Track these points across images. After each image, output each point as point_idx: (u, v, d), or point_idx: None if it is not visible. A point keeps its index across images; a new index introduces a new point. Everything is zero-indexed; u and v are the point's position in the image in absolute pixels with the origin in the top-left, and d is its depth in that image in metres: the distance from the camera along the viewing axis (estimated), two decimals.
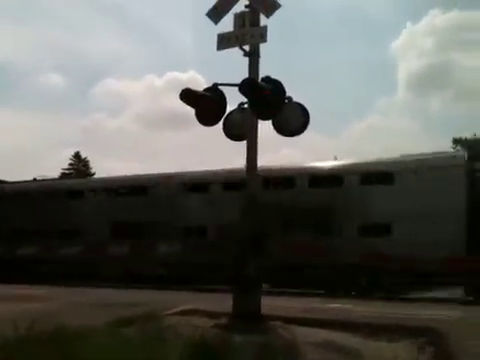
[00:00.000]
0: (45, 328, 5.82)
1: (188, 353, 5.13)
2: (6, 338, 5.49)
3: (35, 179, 29.44)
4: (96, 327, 6.39)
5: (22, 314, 7.64)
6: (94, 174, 52.70)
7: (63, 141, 77.40)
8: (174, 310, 8.62)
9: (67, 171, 53.83)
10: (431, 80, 72.64)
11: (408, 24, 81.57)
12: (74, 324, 6.26)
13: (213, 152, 61.27)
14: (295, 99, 7.79)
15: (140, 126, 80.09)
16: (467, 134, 38.37)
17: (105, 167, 75.20)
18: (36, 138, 76.54)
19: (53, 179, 31.40)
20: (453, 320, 8.18)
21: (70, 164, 55.43)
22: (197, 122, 8.08)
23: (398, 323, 7.41)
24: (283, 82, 7.38)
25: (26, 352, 5.04)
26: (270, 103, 7.35)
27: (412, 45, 74.00)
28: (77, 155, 55.79)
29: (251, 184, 7.94)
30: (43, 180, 28.27)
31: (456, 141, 37.91)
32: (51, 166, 70.16)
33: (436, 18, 72.75)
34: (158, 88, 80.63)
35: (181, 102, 7.68)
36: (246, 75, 7.74)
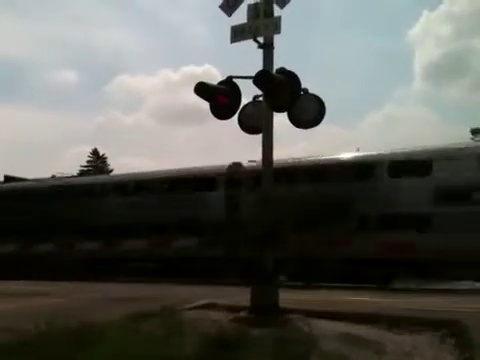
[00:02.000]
0: (65, 323, 5.86)
1: (207, 347, 5.12)
2: (27, 333, 5.56)
3: (54, 176, 29.75)
4: (115, 322, 6.43)
5: (41, 309, 7.73)
6: (112, 171, 53.15)
7: (78, 138, 78.26)
8: (192, 304, 8.64)
9: (85, 168, 54.36)
10: (448, 69, 71.58)
11: (424, 12, 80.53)
12: (93, 319, 6.32)
13: (231, 146, 61.37)
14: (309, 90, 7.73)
15: (156, 122, 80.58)
16: None
17: (121, 164, 75.76)
18: (51, 135, 77.65)
19: (72, 176, 31.72)
20: (475, 312, 8.05)
21: (88, 161, 55.99)
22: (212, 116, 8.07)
23: (418, 315, 7.32)
24: (297, 73, 7.33)
25: (47, 347, 5.08)
26: (285, 95, 7.28)
27: (429, 33, 72.99)
28: (95, 152, 56.33)
29: (267, 177, 7.88)
30: (63, 177, 28.55)
31: (474, 131, 37.29)
32: (66, 163, 70.78)
33: (454, 5, 71.61)
34: (173, 83, 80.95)
35: (197, 96, 7.67)
36: (261, 67, 7.69)
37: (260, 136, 7.87)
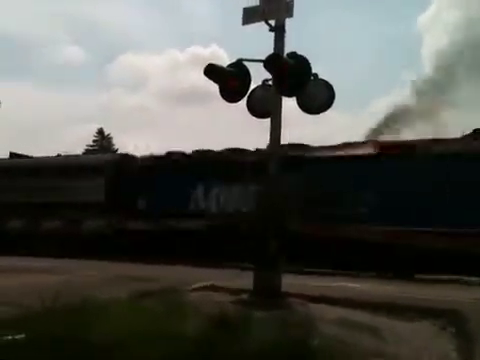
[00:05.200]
0: (69, 300, 5.93)
1: (208, 327, 5.18)
2: (32, 310, 5.64)
3: (59, 155, 29.77)
4: (118, 299, 6.50)
5: (45, 286, 7.81)
6: (117, 150, 53.17)
7: (82, 116, 78.15)
8: (194, 286, 8.71)
9: (91, 147, 54.40)
10: (459, 56, 70.64)
11: None
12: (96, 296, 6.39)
13: (236, 129, 61.06)
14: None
15: (160, 102, 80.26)
16: None
17: (127, 143, 75.69)
18: (54, 113, 77.41)
19: (77, 155, 31.76)
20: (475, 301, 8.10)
21: (94, 140, 56.02)
22: (220, 98, 8.05)
23: (418, 304, 7.37)
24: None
25: (51, 323, 5.15)
26: (295, 80, 7.25)
27: (439, 19, 71.87)
28: (100, 131, 56.32)
29: (274, 162, 7.86)
30: (70, 156, 28.60)
31: None
32: (69, 141, 70.67)
33: None
34: (179, 63, 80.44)
35: (203, 77, 7.65)
36: (269, 50, 7.63)
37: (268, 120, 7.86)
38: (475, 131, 16.11)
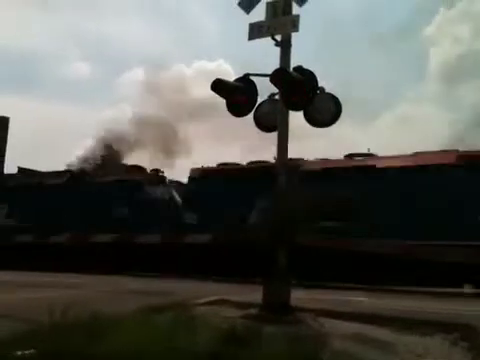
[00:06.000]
0: (79, 314, 5.92)
1: (217, 343, 5.15)
2: (41, 324, 5.63)
3: (68, 170, 29.93)
4: (128, 314, 6.49)
5: (56, 300, 7.81)
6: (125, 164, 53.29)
7: (91, 130, 78.75)
8: (203, 300, 8.69)
9: (100, 161, 54.52)
10: (465, 68, 70.64)
11: (441, 10, 79.41)
12: (106, 311, 6.37)
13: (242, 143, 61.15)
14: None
15: (168, 116, 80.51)
16: None
17: (135, 157, 75.62)
18: (62, 128, 78.14)
19: (84, 169, 31.87)
20: None
21: (102, 154, 56.18)
22: (227, 112, 8.09)
23: (430, 318, 7.30)
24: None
25: (61, 338, 5.14)
26: (302, 93, 7.28)
27: (446, 32, 72.02)
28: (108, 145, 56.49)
29: (281, 176, 7.87)
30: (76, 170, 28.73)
31: None
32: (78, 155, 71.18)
33: (472, 4, 70.58)
34: (186, 77, 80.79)
35: (210, 92, 7.69)
36: (275, 64, 7.66)
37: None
38: None
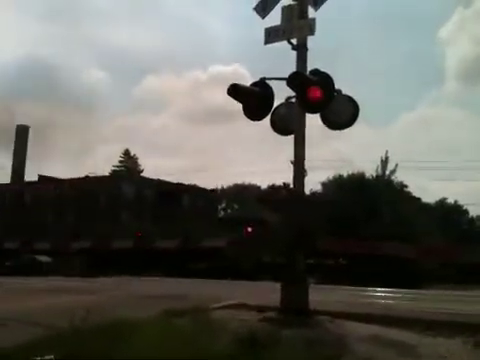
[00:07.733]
0: (99, 319, 5.98)
1: (237, 346, 5.16)
2: (62, 329, 5.70)
3: (87, 176, 30.27)
4: (149, 318, 6.53)
5: (76, 305, 7.90)
6: (143, 171, 53.78)
7: (106, 138, 79.64)
8: (221, 304, 8.69)
9: (117, 168, 55.13)
10: None
11: (459, 8, 77.92)
12: (126, 315, 6.43)
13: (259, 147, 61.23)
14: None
15: (184, 122, 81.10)
16: None
17: (152, 164, 76.33)
18: (79, 135, 79.26)
19: (103, 176, 32.24)
20: None
21: (120, 161, 56.79)
22: (244, 116, 8.10)
23: (450, 319, 7.19)
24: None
25: (82, 343, 5.19)
26: (318, 96, 7.25)
27: (463, 31, 70.87)
28: (127, 152, 57.08)
29: (299, 179, 7.85)
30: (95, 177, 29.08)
31: None
32: (93, 163, 72.31)
33: None
34: (202, 82, 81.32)
35: (226, 96, 7.71)
36: (289, 68, 7.66)
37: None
38: None
